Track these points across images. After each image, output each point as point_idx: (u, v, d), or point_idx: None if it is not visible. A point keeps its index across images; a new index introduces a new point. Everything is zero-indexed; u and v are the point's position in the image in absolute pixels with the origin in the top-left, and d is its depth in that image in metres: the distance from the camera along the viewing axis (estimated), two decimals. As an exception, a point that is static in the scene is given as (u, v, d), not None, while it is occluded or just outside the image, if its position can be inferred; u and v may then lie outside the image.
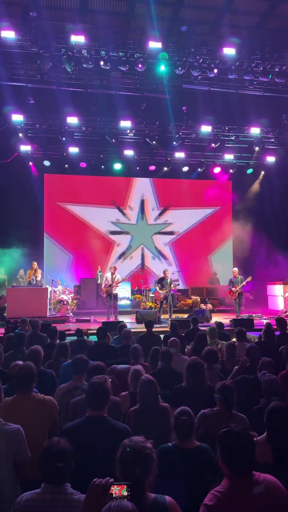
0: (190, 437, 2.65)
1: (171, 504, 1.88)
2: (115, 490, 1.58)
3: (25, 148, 13.92)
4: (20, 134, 13.30)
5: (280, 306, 12.93)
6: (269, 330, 6.14)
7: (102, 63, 10.57)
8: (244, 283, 11.98)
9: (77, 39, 10.14)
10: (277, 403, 2.74)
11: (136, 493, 1.75)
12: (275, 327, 6.88)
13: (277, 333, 6.48)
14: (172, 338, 5.53)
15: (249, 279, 12.05)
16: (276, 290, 13.44)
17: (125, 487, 1.58)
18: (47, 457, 2.04)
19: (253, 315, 11.99)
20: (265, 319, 11.65)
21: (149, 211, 17.07)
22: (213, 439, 2.84)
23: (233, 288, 11.97)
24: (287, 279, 13.46)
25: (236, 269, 12.47)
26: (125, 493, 1.56)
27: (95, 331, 6.07)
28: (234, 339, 6.50)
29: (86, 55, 10.44)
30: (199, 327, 7.53)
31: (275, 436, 2.61)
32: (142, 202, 17.04)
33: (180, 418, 2.64)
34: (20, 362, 3.46)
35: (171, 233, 17.18)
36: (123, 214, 16.86)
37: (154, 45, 10.52)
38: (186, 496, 2.03)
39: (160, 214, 17.15)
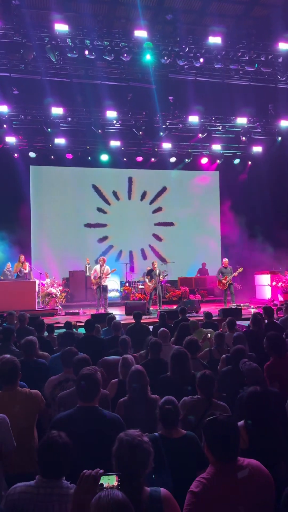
0: (176, 426, 2.67)
1: (165, 496, 1.90)
2: (105, 480, 1.59)
3: (10, 139, 13.72)
4: (5, 125, 13.09)
5: (268, 295, 13.06)
6: (256, 319, 6.21)
7: (87, 52, 10.42)
8: (235, 274, 11.92)
9: (61, 27, 9.98)
10: (253, 389, 2.81)
11: (133, 487, 1.76)
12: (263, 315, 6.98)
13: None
14: (162, 329, 5.55)
15: (240, 270, 11.92)
16: (264, 280, 13.56)
17: (115, 477, 1.59)
18: (47, 450, 2.00)
19: (241, 304, 12.08)
20: (252, 308, 11.76)
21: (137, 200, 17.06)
22: (194, 425, 2.90)
23: (223, 280, 11.93)
24: (275, 269, 13.58)
25: (226, 259, 12.38)
26: (115, 483, 1.57)
27: (84, 323, 6.06)
28: (221, 329, 6.56)
29: (70, 44, 10.29)
30: (188, 318, 7.57)
31: (250, 420, 2.68)
32: (130, 192, 17.02)
33: (164, 407, 2.65)
34: (7, 356, 3.43)
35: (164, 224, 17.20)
36: (111, 204, 16.81)
37: (140, 34, 10.41)
38: (173, 485, 2.06)
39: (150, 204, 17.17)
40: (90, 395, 2.69)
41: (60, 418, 2.68)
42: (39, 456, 1.99)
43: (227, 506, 1.84)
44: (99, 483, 1.59)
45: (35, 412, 3.26)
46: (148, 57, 10.80)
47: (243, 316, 9.53)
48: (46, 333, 6.50)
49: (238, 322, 7.73)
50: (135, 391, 3.28)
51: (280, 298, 12.41)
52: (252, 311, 10.73)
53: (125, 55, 10.60)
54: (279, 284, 12.59)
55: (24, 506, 1.89)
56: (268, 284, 13.09)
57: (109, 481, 1.58)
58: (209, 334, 6.01)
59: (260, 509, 1.88)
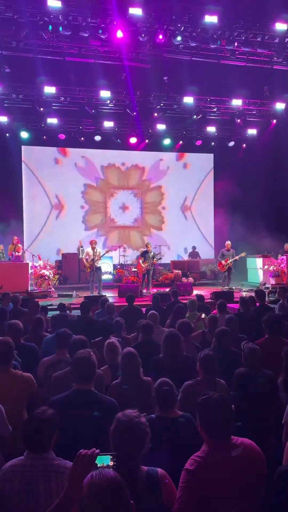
0: (172, 407, 2.72)
1: (162, 476, 1.95)
2: (101, 460, 1.63)
3: (2, 119, 13.47)
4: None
5: (260, 278, 13.17)
6: (244, 301, 6.30)
7: (80, 30, 10.18)
8: (237, 258, 11.97)
9: (54, 3, 9.70)
10: (239, 370, 2.88)
11: (130, 467, 1.81)
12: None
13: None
14: (151, 312, 5.59)
15: (242, 254, 12.01)
16: (256, 263, 13.65)
17: (111, 457, 1.63)
18: (30, 427, 2.11)
19: (233, 287, 12.19)
20: (244, 291, 11.87)
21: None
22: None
23: (223, 261, 11.99)
24: (267, 252, 13.66)
25: (229, 242, 12.39)
26: (111, 463, 1.61)
27: (77, 306, 6.09)
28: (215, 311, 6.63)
29: (63, 21, 10.03)
30: (180, 300, 7.63)
31: (238, 399, 2.75)
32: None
33: (161, 388, 2.70)
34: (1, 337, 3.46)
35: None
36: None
37: (135, 11, 10.17)
38: (170, 465, 2.10)
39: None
40: (86, 378, 2.72)
41: (57, 400, 2.72)
42: (23, 432, 2.10)
43: (221, 483, 1.89)
44: (95, 463, 1.63)
45: (26, 394, 3.31)
46: (143, 36, 10.58)
47: (235, 299, 9.61)
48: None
49: (230, 305, 7.85)
50: (128, 373, 3.32)
51: (272, 281, 12.51)
52: (244, 294, 10.84)
53: (119, 33, 10.36)
54: (271, 268, 12.68)
55: (12, 477, 2.03)
56: (260, 268, 13.18)
57: (105, 461, 1.62)
58: (203, 315, 6.07)
59: (253, 486, 1.94)
